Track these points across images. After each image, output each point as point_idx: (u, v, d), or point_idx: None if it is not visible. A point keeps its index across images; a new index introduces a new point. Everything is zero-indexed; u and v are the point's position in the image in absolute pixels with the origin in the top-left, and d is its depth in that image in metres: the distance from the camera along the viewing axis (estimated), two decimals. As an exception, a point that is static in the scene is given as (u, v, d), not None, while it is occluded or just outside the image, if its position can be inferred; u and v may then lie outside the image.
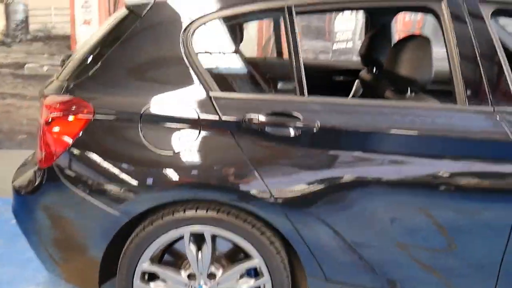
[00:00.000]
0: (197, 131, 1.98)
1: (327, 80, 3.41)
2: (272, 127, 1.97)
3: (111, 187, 2.03)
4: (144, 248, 2.07)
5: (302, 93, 2.01)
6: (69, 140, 2.05)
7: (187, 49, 2.04)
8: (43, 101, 2.18)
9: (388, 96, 2.32)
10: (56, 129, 2.08)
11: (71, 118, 2.07)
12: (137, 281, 2.12)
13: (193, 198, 2.02)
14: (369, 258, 2.03)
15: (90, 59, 2.15)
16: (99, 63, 2.10)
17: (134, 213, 2.03)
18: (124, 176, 2.01)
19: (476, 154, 1.94)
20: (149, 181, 1.99)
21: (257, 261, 2.06)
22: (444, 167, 1.92)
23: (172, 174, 1.98)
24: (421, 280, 2.06)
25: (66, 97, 2.09)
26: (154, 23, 2.11)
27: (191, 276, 2.11)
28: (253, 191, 1.97)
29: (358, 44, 5.27)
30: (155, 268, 2.11)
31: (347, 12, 4.91)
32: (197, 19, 2.07)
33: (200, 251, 2.07)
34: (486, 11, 2.01)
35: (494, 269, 2.00)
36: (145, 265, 2.09)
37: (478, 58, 1.98)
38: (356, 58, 5.47)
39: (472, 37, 1.99)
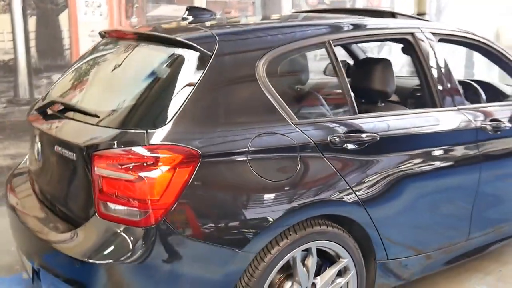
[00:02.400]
0: (297, 157, 2.16)
1: None
2: (349, 143, 2.31)
3: (235, 227, 2.02)
4: (265, 280, 2.12)
5: (354, 112, 2.41)
6: (178, 189, 1.92)
7: (263, 82, 2.17)
8: (108, 154, 1.95)
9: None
10: (161, 181, 1.91)
11: (177, 166, 1.93)
12: None
13: (307, 217, 2.18)
14: (419, 232, 2.61)
15: (163, 101, 2.03)
16: (182, 107, 2.00)
17: (260, 247, 2.07)
18: (247, 212, 2.04)
19: (458, 141, 2.74)
20: (273, 210, 2.08)
21: (346, 260, 2.36)
22: (454, 151, 2.69)
23: (291, 199, 2.11)
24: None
25: (167, 146, 1.93)
26: (226, 59, 2.15)
27: (297, 292, 2.26)
28: (346, 198, 2.27)
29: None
30: None
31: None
32: (266, 53, 2.21)
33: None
34: (436, 39, 2.83)
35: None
36: None
37: (443, 72, 2.77)
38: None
39: (435, 58, 2.77)
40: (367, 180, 2.34)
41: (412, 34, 2.74)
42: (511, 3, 7.55)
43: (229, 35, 2.27)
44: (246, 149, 2.06)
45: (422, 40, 2.76)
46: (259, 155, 2.09)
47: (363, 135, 2.34)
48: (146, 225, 1.90)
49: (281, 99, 2.20)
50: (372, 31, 2.68)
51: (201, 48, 2.11)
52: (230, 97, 2.12)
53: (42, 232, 2.18)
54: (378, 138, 2.38)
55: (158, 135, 1.95)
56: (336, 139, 2.27)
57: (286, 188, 2.12)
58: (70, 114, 2.28)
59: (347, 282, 2.40)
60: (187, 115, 2.01)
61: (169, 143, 1.94)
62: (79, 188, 2.11)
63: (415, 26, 2.80)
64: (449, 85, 2.79)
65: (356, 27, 2.62)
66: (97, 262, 1.91)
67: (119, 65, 2.39)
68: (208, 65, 2.09)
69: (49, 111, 2.41)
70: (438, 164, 2.62)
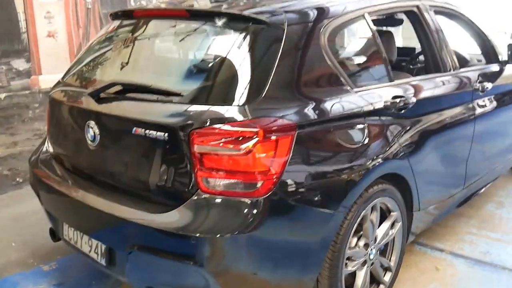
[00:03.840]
0: (364, 122, 2.37)
1: None
2: (397, 107, 2.55)
3: (331, 190, 2.19)
4: (348, 236, 2.31)
5: (390, 79, 2.66)
6: (283, 159, 2.03)
7: (326, 52, 2.32)
8: (210, 131, 1.99)
9: None
10: (268, 153, 2.00)
11: (279, 138, 2.03)
12: (343, 268, 2.33)
13: (377, 176, 2.39)
14: (441, 181, 2.96)
15: (249, 79, 2.09)
16: (270, 81, 2.08)
17: (348, 206, 2.25)
18: (339, 176, 2.21)
19: (463, 100, 3.13)
20: (356, 172, 2.27)
21: (396, 214, 2.62)
22: (461, 109, 3.09)
23: (367, 161, 2.32)
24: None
25: (268, 119, 2.02)
26: (297, 32, 2.26)
27: (364, 246, 2.48)
28: (399, 156, 2.52)
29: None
30: (350, 252, 2.37)
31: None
32: (324, 26, 2.35)
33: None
34: (432, 10, 3.15)
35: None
36: (348, 251, 2.34)
37: (443, 40, 3.12)
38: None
39: (435, 27, 3.10)
40: (410, 139, 2.61)
41: (417, 6, 3.04)
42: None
43: (291, 8, 2.37)
44: (329, 117, 2.21)
45: (425, 12, 3.07)
46: (338, 123, 2.25)
47: (406, 99, 2.60)
48: (259, 196, 1.98)
49: (340, 68, 2.37)
50: (392, 4, 2.93)
51: (274, 23, 2.20)
52: (305, 68, 2.23)
53: (130, 214, 2.13)
54: (415, 101, 2.66)
55: (256, 109, 2.02)
56: (388, 104, 2.50)
57: (362, 151, 2.31)
58: (137, 95, 2.25)
59: (395, 234, 2.67)
60: (276, 88, 2.09)
61: (269, 116, 2.03)
62: (172, 167, 2.09)
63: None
64: (448, 52, 3.14)
65: (382, 1, 2.86)
66: (214, 236, 1.95)
67: (181, 42, 2.38)
68: (284, 39, 2.17)
69: (104, 95, 2.33)
70: (452, 120, 2.98)
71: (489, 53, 3.75)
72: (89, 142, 2.36)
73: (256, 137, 1.98)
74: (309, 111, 2.16)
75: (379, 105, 2.47)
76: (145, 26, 2.58)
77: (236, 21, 2.27)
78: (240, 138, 1.98)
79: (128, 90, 2.29)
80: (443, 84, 3.01)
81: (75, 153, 2.53)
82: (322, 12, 2.42)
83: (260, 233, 2.00)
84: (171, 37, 2.50)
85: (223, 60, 2.19)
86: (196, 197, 2.03)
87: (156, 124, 2.10)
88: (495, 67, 3.65)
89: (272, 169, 2.00)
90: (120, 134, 2.27)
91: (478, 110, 3.24)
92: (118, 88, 2.31)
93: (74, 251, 2.50)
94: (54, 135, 2.72)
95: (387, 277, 2.67)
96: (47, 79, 4.33)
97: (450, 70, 3.12)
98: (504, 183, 4.32)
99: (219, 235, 1.96)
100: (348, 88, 2.37)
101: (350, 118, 2.32)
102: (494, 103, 3.47)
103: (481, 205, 3.94)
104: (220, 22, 2.30)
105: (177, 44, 2.48)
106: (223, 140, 1.98)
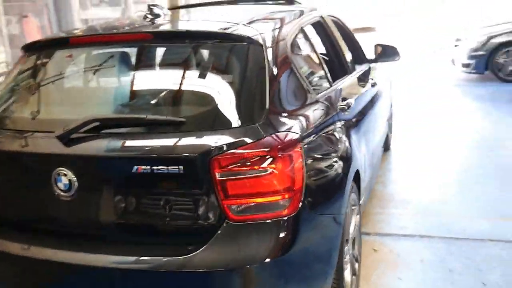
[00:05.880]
0: (333, 125, 2.51)
1: None
2: (346, 109, 2.75)
3: (334, 192, 2.34)
4: (346, 233, 2.45)
5: (330, 83, 2.84)
6: (301, 172, 2.02)
7: (293, 62, 2.40)
8: (231, 155, 1.91)
9: None
10: (288, 169, 1.99)
11: (293, 152, 2.04)
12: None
13: (354, 172, 2.57)
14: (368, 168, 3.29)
15: (249, 98, 2.08)
16: (267, 96, 2.09)
17: (346, 204, 2.40)
18: (338, 178, 2.37)
19: (372, 94, 3.52)
20: (345, 172, 2.44)
21: (356, 207, 2.81)
22: (370, 103, 3.46)
23: (347, 160, 2.50)
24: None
25: (281, 135, 2.02)
26: (271, 46, 2.27)
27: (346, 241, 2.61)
28: (358, 153, 2.75)
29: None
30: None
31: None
32: (285, 36, 2.44)
33: None
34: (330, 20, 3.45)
35: None
36: None
37: (344, 47, 3.44)
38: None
39: (337, 36, 3.41)
40: (357, 136, 2.86)
41: (321, 16, 3.29)
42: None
43: (260, 24, 2.38)
44: (315, 125, 2.30)
45: (327, 22, 3.34)
46: (322, 129, 2.35)
47: (350, 101, 2.82)
48: (291, 213, 1.96)
49: (303, 76, 2.47)
50: (310, 15, 3.11)
51: (253, 39, 2.19)
52: (285, 80, 2.28)
53: (148, 263, 1.92)
54: (353, 102, 2.90)
55: (266, 127, 2.00)
56: (342, 106, 2.68)
57: (343, 152, 2.48)
58: (117, 130, 2.02)
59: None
60: (273, 103, 2.10)
61: (279, 131, 2.02)
62: (190, 200, 1.93)
63: (318, 10, 3.35)
64: (348, 56, 3.48)
65: (302, 13, 3.01)
66: (257, 263, 1.89)
67: (162, 66, 2.22)
68: (265, 54, 2.18)
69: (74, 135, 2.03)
70: (367, 114, 3.35)
71: (359, 54, 4.24)
72: (59, 192, 2.02)
73: (275, 155, 1.95)
74: (302, 121, 2.22)
75: (338, 108, 2.64)
76: (91, 55, 2.31)
77: (211, 40, 2.19)
78: (260, 157, 1.93)
79: (106, 126, 2.03)
80: (359, 84, 3.33)
81: (35, 208, 2.14)
82: (279, 24, 2.48)
83: (297, 248, 1.99)
84: (134, 64, 2.28)
85: (215, 82, 2.13)
86: (226, 227, 1.92)
87: (166, 158, 1.92)
88: (367, 66, 4.15)
89: (296, 183, 2.00)
90: (113, 177, 2.00)
91: (373, 102, 3.66)
92: (91, 125, 2.02)
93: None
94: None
95: (356, 267, 2.86)
96: None
97: (352, 72, 3.45)
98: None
99: (262, 260, 1.90)
100: (313, 95, 2.48)
101: (325, 123, 2.44)
102: (376, 95, 3.94)
103: (371, 188, 4.41)
104: (194, 43, 2.20)
105: (146, 71, 2.28)
106: (244, 163, 1.91)
